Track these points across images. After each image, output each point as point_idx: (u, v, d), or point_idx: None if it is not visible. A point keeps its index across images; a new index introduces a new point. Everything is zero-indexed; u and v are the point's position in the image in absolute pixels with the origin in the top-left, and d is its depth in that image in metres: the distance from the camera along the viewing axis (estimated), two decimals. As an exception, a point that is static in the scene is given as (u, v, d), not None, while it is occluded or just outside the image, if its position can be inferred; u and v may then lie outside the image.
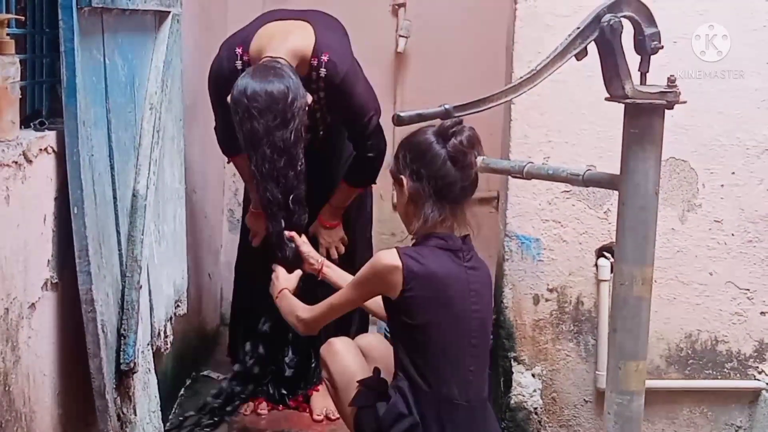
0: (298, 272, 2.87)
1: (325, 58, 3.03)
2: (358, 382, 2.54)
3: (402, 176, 2.49)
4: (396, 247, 2.45)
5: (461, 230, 2.50)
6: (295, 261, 2.90)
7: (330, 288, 2.75)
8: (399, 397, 2.42)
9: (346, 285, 2.61)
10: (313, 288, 2.89)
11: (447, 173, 2.43)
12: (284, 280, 2.83)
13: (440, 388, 2.41)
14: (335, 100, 3.11)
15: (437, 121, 2.36)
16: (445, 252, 2.45)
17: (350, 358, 2.64)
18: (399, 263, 2.39)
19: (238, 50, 3.07)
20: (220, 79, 3.08)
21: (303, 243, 2.90)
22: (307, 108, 2.88)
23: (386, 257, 2.42)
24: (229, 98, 2.88)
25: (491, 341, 2.92)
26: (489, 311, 2.54)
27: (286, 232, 2.91)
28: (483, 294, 2.50)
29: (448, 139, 2.42)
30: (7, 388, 1.88)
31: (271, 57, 2.95)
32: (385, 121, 2.94)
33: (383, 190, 4.18)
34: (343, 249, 3.40)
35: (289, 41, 3.03)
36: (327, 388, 2.73)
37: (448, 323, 2.42)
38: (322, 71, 3.04)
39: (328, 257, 3.34)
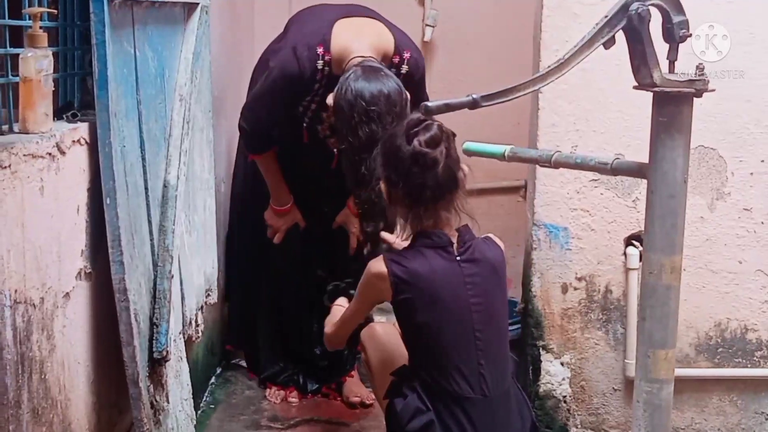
0: None
1: (407, 55, 3.11)
2: (391, 374, 2.54)
3: (380, 180, 2.47)
4: (383, 254, 2.44)
5: (457, 223, 2.45)
6: None
7: None
8: (414, 395, 2.40)
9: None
10: None
11: (413, 176, 2.37)
12: None
13: (450, 386, 2.38)
14: (410, 94, 3.07)
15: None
16: (431, 250, 2.41)
17: (388, 344, 2.63)
18: (385, 270, 2.38)
19: (320, 50, 3.04)
20: (299, 79, 3.05)
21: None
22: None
23: (374, 266, 2.42)
24: (330, 99, 2.88)
25: (514, 330, 2.91)
26: (495, 300, 2.46)
27: (382, 234, 2.81)
28: (485, 284, 2.43)
29: (411, 140, 2.37)
30: (43, 376, 1.92)
31: (363, 57, 2.96)
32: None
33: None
34: None
35: (370, 39, 3.05)
36: (366, 371, 2.73)
37: (445, 320, 2.39)
38: (404, 68, 3.10)
39: (359, 246, 3.36)
